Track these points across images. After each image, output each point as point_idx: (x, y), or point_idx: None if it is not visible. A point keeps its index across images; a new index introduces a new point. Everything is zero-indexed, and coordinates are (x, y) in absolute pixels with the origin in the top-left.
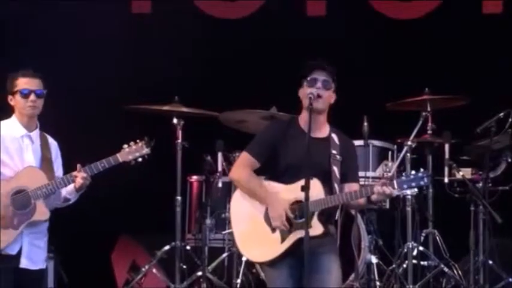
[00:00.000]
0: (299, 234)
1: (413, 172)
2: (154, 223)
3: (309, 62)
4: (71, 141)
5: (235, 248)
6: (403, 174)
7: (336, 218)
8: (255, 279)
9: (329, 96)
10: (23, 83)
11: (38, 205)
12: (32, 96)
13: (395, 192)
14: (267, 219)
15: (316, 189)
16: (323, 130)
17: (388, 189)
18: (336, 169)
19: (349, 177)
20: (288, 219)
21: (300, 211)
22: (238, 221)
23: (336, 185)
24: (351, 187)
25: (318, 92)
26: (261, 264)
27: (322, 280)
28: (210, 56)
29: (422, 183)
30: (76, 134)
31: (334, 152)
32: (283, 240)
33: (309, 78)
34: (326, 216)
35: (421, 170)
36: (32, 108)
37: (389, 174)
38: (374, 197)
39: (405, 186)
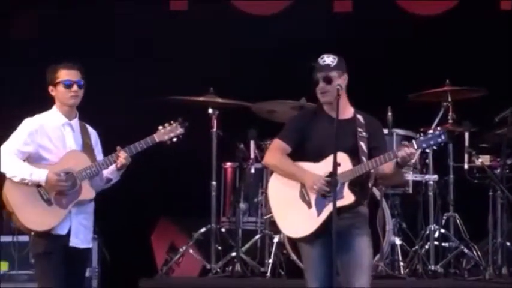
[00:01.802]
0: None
1: (430, 131)
2: (191, 207)
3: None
4: (111, 130)
5: (268, 231)
6: (421, 134)
7: None
8: (285, 259)
9: (334, 86)
10: (65, 74)
11: (83, 185)
12: (74, 87)
13: (415, 152)
14: (302, 197)
15: (344, 161)
16: (347, 112)
17: (409, 150)
18: (362, 144)
19: (378, 150)
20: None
21: (333, 184)
22: (276, 203)
23: (363, 158)
24: None
25: (322, 90)
26: (300, 240)
27: (356, 260)
28: (243, 50)
29: (440, 140)
30: (116, 124)
31: (360, 129)
32: (319, 213)
33: (314, 80)
34: (357, 187)
35: (438, 128)
36: (74, 98)
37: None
38: (400, 160)
39: (424, 145)
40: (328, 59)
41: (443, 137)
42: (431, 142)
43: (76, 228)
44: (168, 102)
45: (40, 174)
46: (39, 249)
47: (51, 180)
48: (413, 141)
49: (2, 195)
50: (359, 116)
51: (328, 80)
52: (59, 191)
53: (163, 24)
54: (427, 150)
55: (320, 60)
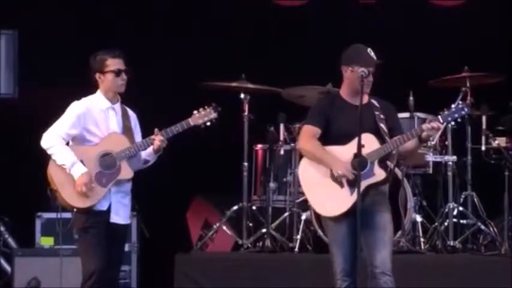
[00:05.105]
0: (366, 183)
1: (453, 105)
2: (224, 186)
3: (359, 48)
4: (149, 113)
5: (296, 208)
6: (445, 109)
7: None
8: (312, 235)
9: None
10: (115, 63)
11: (122, 166)
12: (123, 75)
13: (442, 126)
14: (334, 177)
15: (371, 141)
16: (364, 98)
17: (435, 124)
18: (382, 125)
19: (395, 130)
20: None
21: (359, 164)
22: (309, 186)
23: (386, 137)
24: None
25: (370, 82)
26: (330, 218)
27: (378, 236)
28: (273, 38)
29: (463, 112)
30: (154, 108)
31: (377, 112)
32: (352, 192)
33: (361, 68)
34: (384, 163)
35: (460, 102)
36: (123, 86)
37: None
38: (424, 134)
39: (449, 118)
40: (374, 55)
41: (466, 109)
42: (456, 115)
43: (116, 205)
44: (202, 87)
45: (77, 171)
46: (81, 224)
47: (80, 181)
48: (439, 116)
49: (47, 173)
50: (374, 101)
51: (373, 74)
52: (81, 190)
53: (201, 13)
54: (452, 124)
55: (371, 55)
